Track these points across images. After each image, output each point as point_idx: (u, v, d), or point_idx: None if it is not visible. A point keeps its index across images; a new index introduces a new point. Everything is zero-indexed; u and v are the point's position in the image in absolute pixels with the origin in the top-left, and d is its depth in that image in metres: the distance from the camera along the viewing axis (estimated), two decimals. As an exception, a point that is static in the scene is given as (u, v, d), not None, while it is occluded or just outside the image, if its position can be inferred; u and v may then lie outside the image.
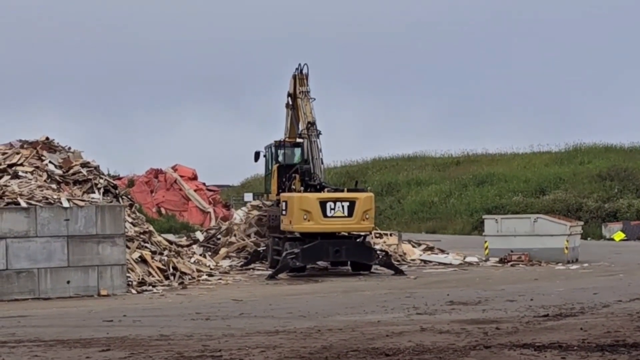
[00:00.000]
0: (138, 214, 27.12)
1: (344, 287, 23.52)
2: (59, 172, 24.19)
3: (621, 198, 52.87)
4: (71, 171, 24.35)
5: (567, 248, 30.78)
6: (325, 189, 27.30)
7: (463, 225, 55.73)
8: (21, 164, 24.05)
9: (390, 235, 33.70)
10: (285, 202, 27.18)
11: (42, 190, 22.58)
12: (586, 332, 14.07)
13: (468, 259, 31.52)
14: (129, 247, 23.31)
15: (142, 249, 24.32)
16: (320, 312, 17.68)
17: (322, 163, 28.73)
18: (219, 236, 33.07)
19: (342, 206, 26.48)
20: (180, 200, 60.23)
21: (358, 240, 27.37)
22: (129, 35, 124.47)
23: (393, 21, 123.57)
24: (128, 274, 22.59)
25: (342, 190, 27.62)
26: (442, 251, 33.50)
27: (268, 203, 31.38)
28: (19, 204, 21.58)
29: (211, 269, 27.47)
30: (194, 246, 32.21)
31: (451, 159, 73.94)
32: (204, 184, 62.58)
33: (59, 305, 19.87)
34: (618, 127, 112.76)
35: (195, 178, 62.01)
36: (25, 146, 25.00)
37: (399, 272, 27.03)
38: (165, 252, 25.21)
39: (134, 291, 22.26)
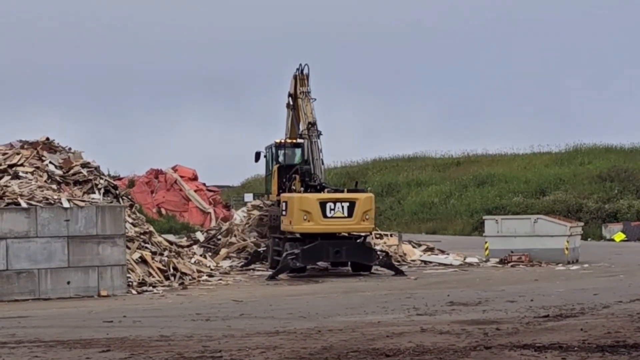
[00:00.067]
0: (138, 214, 27.12)
1: (344, 287, 23.51)
2: (60, 172, 24.19)
3: (621, 199, 52.89)
4: (71, 171, 24.36)
5: (567, 249, 30.78)
6: (326, 190, 27.30)
7: (463, 226, 55.74)
8: (21, 165, 24.05)
9: (391, 235, 33.71)
10: (285, 202, 27.18)
11: (42, 191, 22.58)
12: (586, 333, 14.07)
13: (468, 260, 31.52)
14: (129, 248, 23.30)
15: (143, 249, 24.32)
16: (321, 312, 17.68)
17: (323, 163, 28.74)
18: (219, 237, 33.08)
19: (342, 207, 26.48)
20: (181, 200, 60.25)
21: (358, 240, 27.37)
22: (130, 35, 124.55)
23: (393, 22, 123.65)
24: (128, 275, 22.59)
25: (342, 191, 27.61)
26: (443, 252, 33.50)
27: (269, 203, 31.39)
28: (19, 204, 21.58)
29: (211, 269, 27.47)
30: (194, 247, 32.21)
31: (451, 159, 73.98)
32: (204, 184, 62.59)
33: (59, 305, 19.87)
34: (618, 127, 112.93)
35: (195, 178, 62.03)
36: (25, 146, 25.00)
37: (399, 272, 27.03)
38: (166, 253, 25.21)
39: (134, 292, 22.26)
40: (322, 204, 26.35)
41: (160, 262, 24.40)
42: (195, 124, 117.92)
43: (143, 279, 23.12)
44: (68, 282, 21.46)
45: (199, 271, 26.09)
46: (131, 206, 26.27)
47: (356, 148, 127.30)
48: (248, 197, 34.95)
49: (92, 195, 23.58)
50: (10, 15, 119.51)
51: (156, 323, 16.31)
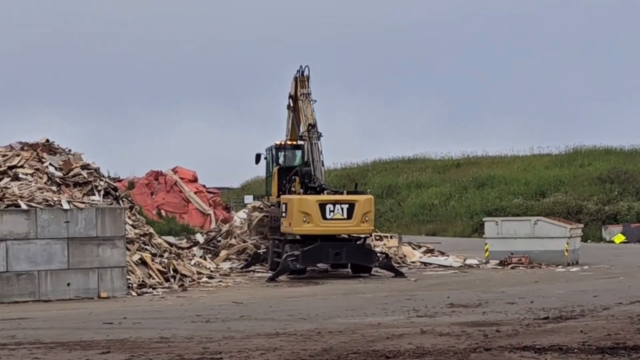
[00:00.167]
0: (138, 216, 27.12)
1: (344, 289, 23.51)
2: (59, 174, 24.20)
3: (621, 200, 52.88)
4: (71, 173, 24.36)
5: (567, 250, 30.78)
6: (325, 191, 27.31)
7: (463, 228, 55.74)
8: (21, 166, 24.05)
9: (391, 237, 33.71)
10: (285, 204, 27.19)
11: (42, 192, 22.59)
12: (586, 335, 14.07)
13: (468, 262, 31.52)
14: (129, 250, 23.31)
15: (142, 251, 24.32)
16: (321, 314, 17.68)
17: (323, 165, 28.75)
18: (219, 238, 33.09)
19: (342, 208, 26.48)
20: (181, 202, 60.32)
21: (358, 242, 27.37)
22: (130, 36, 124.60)
23: (393, 23, 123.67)
24: (128, 276, 22.59)
25: (342, 193, 27.62)
26: (443, 253, 33.50)
27: (269, 204, 31.39)
28: (19, 206, 21.58)
29: (211, 271, 27.47)
30: (194, 248, 32.21)
31: (451, 161, 73.98)
32: (204, 186, 62.68)
33: (59, 307, 19.86)
34: (618, 129, 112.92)
35: (195, 180, 62.11)
36: (25, 148, 25.01)
37: (399, 274, 27.03)
38: (166, 255, 25.21)
39: (134, 293, 22.26)
40: (322, 206, 26.35)
41: (160, 263, 24.40)
42: (195, 126, 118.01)
43: (143, 281, 23.12)
44: (68, 284, 21.46)
45: (198, 273, 26.10)
46: (131, 208, 26.27)
47: (356, 149, 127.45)
48: (248, 198, 35.00)
49: (92, 197, 23.59)
50: (10, 17, 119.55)
51: (156, 325, 16.31)
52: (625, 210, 51.34)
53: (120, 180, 59.38)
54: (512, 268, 29.84)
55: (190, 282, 24.59)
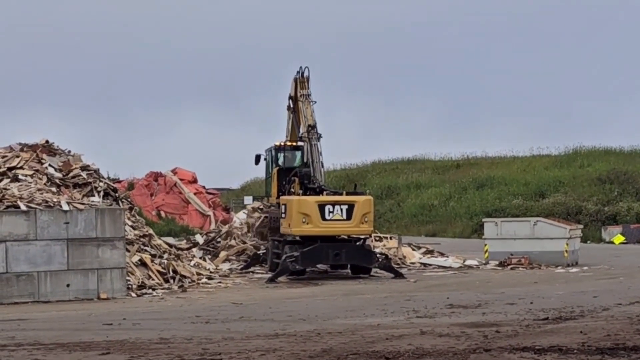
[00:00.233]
0: (138, 217, 27.12)
1: (343, 290, 23.52)
2: (59, 175, 24.20)
3: (621, 201, 52.89)
4: (71, 174, 24.37)
5: (566, 251, 30.78)
6: (325, 192, 27.31)
7: (463, 229, 55.74)
8: (21, 167, 24.06)
9: (390, 238, 33.71)
10: (285, 205, 27.20)
11: (42, 194, 22.59)
12: (586, 336, 14.07)
13: (468, 262, 31.52)
14: (128, 251, 23.30)
15: (142, 252, 24.32)
16: (320, 315, 17.68)
17: (323, 166, 28.75)
18: (218, 239, 33.09)
19: (341, 209, 26.49)
20: (180, 203, 60.29)
21: (358, 243, 27.36)
22: (129, 37, 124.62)
23: (393, 24, 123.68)
24: (128, 277, 22.59)
25: (341, 194, 27.62)
26: (442, 254, 33.50)
27: (269, 204, 31.38)
28: (18, 207, 21.58)
29: (211, 272, 27.47)
30: (194, 249, 32.21)
31: (451, 162, 73.98)
32: (203, 187, 62.65)
33: (59, 308, 19.87)
34: (618, 130, 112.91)
35: (195, 181, 62.08)
36: (25, 149, 25.02)
37: (398, 275, 27.03)
38: (165, 256, 25.21)
39: (133, 294, 22.25)
40: (321, 207, 26.36)
41: (159, 264, 24.40)
42: (195, 127, 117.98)
43: (142, 282, 23.12)
44: (67, 285, 21.46)
45: (198, 274, 26.10)
46: (131, 209, 26.27)
47: (356, 150, 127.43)
48: (247, 199, 35.02)
49: (92, 198, 23.59)
50: (9, 18, 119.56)
51: (156, 326, 16.31)
52: (625, 211, 51.35)
53: (119, 181, 59.36)
54: (511, 269, 29.84)
55: (189, 283, 24.59)
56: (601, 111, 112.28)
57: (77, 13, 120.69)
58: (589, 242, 45.54)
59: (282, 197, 28.06)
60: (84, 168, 24.86)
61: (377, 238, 32.87)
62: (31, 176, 23.74)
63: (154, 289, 23.01)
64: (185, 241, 34.77)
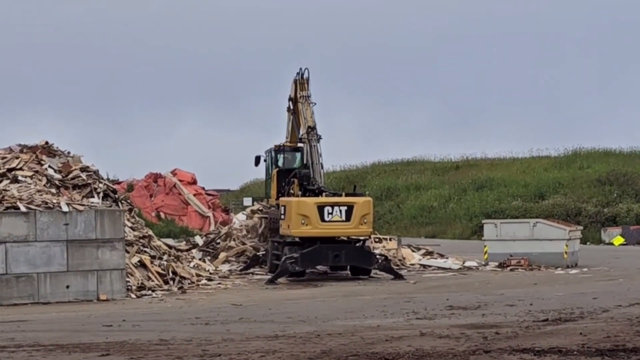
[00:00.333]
0: (137, 218, 27.13)
1: (343, 291, 23.52)
2: (59, 176, 24.20)
3: (620, 203, 52.86)
4: (70, 175, 24.37)
5: (566, 253, 30.78)
6: (324, 194, 27.32)
7: (462, 230, 55.72)
8: (20, 169, 24.06)
9: (390, 239, 33.70)
10: (284, 206, 27.21)
11: (41, 195, 22.59)
12: (586, 337, 14.07)
13: (467, 264, 31.51)
14: (128, 252, 23.30)
15: (142, 253, 24.32)
16: (320, 316, 17.68)
17: (322, 168, 28.75)
18: (218, 240, 33.07)
19: (340, 211, 26.49)
20: (180, 204, 60.28)
21: (357, 244, 27.37)
22: (129, 38, 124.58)
23: (392, 26, 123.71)
24: (127, 279, 22.59)
25: (340, 195, 27.63)
26: (442, 256, 33.49)
27: (269, 206, 31.37)
28: (18, 208, 21.58)
29: (210, 273, 27.47)
30: (193, 250, 32.20)
31: (450, 163, 73.94)
32: (203, 188, 62.63)
33: (58, 309, 19.86)
34: (617, 131, 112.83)
35: (194, 182, 62.07)
36: (24, 150, 25.02)
37: (398, 276, 27.03)
38: (165, 257, 25.20)
39: (133, 296, 22.25)
40: (320, 208, 26.36)
41: (159, 266, 24.40)
42: (195, 128, 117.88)
43: (142, 283, 23.12)
44: (67, 286, 21.46)
45: (198, 275, 26.09)
46: (130, 210, 26.27)
47: (355, 152, 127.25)
48: (247, 201, 34.96)
49: (91, 199, 23.59)
50: (9, 19, 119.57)
51: (155, 327, 16.31)
52: (625, 212, 51.33)
53: (119, 183, 59.34)
54: (511, 270, 29.83)
55: (189, 284, 24.59)
56: (600, 112, 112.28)
57: (77, 13, 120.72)
58: (588, 243, 45.53)
59: (281, 199, 28.07)
60: (84, 169, 24.86)
61: (377, 239, 32.86)
62: (31, 177, 23.74)
63: (153, 290, 23.01)
64: (184, 242, 34.77)
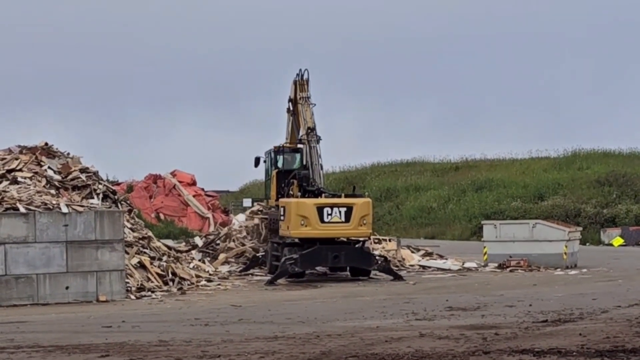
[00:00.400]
0: (137, 219, 27.13)
1: (343, 292, 23.52)
2: (58, 177, 24.20)
3: (620, 203, 52.88)
4: (70, 177, 24.37)
5: (565, 253, 30.80)
6: (323, 195, 27.33)
7: (462, 231, 55.73)
8: (20, 170, 24.06)
9: (389, 240, 33.71)
10: (283, 207, 27.22)
11: (41, 196, 22.59)
12: (585, 338, 14.08)
13: (467, 265, 31.53)
14: (127, 253, 23.30)
15: (141, 254, 24.32)
16: (319, 317, 17.68)
17: (322, 169, 28.76)
18: (217, 242, 33.09)
19: (339, 212, 26.50)
20: (179, 205, 60.27)
21: (357, 245, 27.38)
22: (128, 40, 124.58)
23: (392, 27, 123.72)
24: (127, 280, 22.59)
25: (340, 196, 27.64)
26: (441, 257, 33.51)
27: (269, 206, 31.38)
28: (17, 209, 21.58)
29: (210, 274, 27.48)
30: (193, 252, 32.22)
31: (450, 164, 73.96)
32: (202, 189, 62.63)
33: (58, 310, 19.86)
34: (616, 132, 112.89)
35: (194, 183, 62.07)
36: (24, 152, 25.02)
37: (397, 277, 27.04)
38: (164, 258, 25.21)
39: (132, 297, 22.25)
40: (319, 209, 26.37)
41: (158, 267, 24.41)
42: (194, 129, 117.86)
43: (142, 284, 23.12)
44: (67, 287, 21.46)
45: (197, 276, 26.10)
46: (130, 211, 26.27)
47: (355, 153, 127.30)
48: (247, 202, 35.00)
49: (91, 200, 23.59)
50: (8, 21, 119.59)
51: (155, 328, 16.32)
52: (624, 213, 51.34)
53: (118, 184, 59.38)
54: (510, 271, 29.84)
55: (188, 285, 24.59)
56: (600, 113, 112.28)
57: (77, 13, 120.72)
58: (587, 244, 45.53)
59: (280, 200, 28.09)
60: (83, 170, 24.86)
61: (376, 240, 32.87)
62: (30, 178, 23.74)
63: (153, 292, 23.01)
64: (184, 243, 34.78)
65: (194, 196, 60.61)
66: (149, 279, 23.63)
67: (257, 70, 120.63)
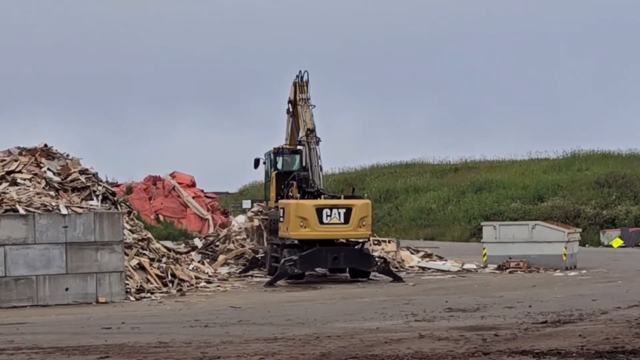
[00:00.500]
0: (136, 220, 27.12)
1: (342, 294, 23.52)
2: (58, 179, 24.20)
3: (619, 205, 52.90)
4: (69, 178, 24.36)
5: (565, 255, 30.80)
6: (322, 196, 27.33)
7: (461, 232, 55.74)
8: (19, 171, 24.06)
9: (389, 242, 33.72)
10: (283, 209, 27.22)
11: (40, 197, 22.59)
12: (585, 339, 14.08)
13: (466, 266, 31.53)
14: (127, 254, 23.31)
15: (141, 256, 24.32)
16: (319, 319, 17.68)
17: (321, 170, 28.74)
18: (217, 243, 33.09)
19: (339, 213, 26.50)
20: (179, 207, 60.28)
21: (356, 247, 27.39)
22: (128, 40, 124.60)
23: (391, 28, 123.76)
24: (126, 281, 22.59)
25: (339, 197, 27.64)
26: (441, 258, 33.52)
27: (268, 208, 31.38)
28: (17, 211, 21.58)
29: (209, 275, 27.47)
30: (192, 253, 32.22)
31: (449, 165, 74.00)
32: (202, 190, 62.64)
33: (58, 312, 19.86)
34: (616, 133, 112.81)
35: (193, 185, 62.08)
36: (23, 153, 25.01)
37: (397, 279, 27.04)
38: (164, 259, 25.21)
39: (132, 298, 22.26)
40: (319, 211, 26.37)
41: (158, 268, 24.41)
42: (194, 130, 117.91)
43: (141, 286, 23.12)
44: (66, 289, 21.46)
45: (197, 277, 26.09)
46: (129, 213, 26.27)
47: (354, 154, 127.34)
48: (246, 203, 35.03)
49: (90, 202, 23.58)
50: (7, 22, 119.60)
51: (155, 329, 16.32)
52: (623, 214, 51.36)
53: (118, 185, 59.38)
54: (510, 272, 29.85)
55: (188, 286, 24.59)
56: (599, 114, 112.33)
57: (77, 13, 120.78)
58: (587, 245, 45.54)
59: (280, 201, 28.09)
60: (83, 172, 24.86)
61: (376, 242, 32.87)
62: (30, 180, 23.74)
63: (152, 293, 23.01)
64: (183, 245, 34.79)
65: (193, 197, 60.63)
66: (148, 281, 23.63)
67: (257, 70, 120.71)
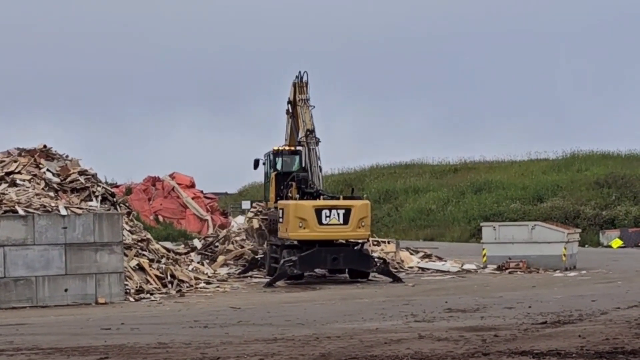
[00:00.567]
0: (136, 221, 27.11)
1: (341, 294, 23.51)
2: (57, 180, 24.19)
3: (619, 205, 52.92)
4: (69, 179, 24.36)
5: (564, 255, 30.80)
6: (322, 197, 27.32)
7: (461, 233, 55.76)
8: (19, 172, 24.06)
9: (388, 242, 33.72)
10: (282, 209, 27.22)
11: (39, 198, 22.58)
12: (584, 340, 14.07)
13: (466, 266, 31.53)
14: (126, 255, 23.30)
15: (140, 256, 24.31)
16: (319, 319, 17.68)
17: (321, 171, 28.73)
18: (216, 244, 33.09)
19: (338, 214, 26.49)
20: (178, 207, 60.29)
21: (356, 248, 27.38)
22: (127, 40, 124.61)
23: (391, 29, 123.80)
24: (126, 282, 22.58)
25: (338, 198, 27.64)
26: (440, 258, 33.51)
27: (267, 208, 31.39)
28: (16, 211, 21.57)
29: (209, 276, 27.46)
30: (192, 254, 32.22)
31: (449, 166, 74.05)
32: (201, 191, 62.65)
33: (57, 313, 19.86)
34: (615, 134, 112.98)
35: (192, 186, 62.09)
36: (23, 154, 25.01)
37: (396, 279, 27.04)
38: (163, 260, 25.21)
39: (131, 299, 22.25)
40: (318, 211, 26.36)
41: (157, 269, 24.40)
42: (193, 131, 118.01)
43: (140, 286, 23.11)
44: (66, 290, 21.45)
45: (196, 278, 26.09)
46: (128, 213, 26.27)
47: (354, 155, 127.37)
48: (245, 204, 35.02)
49: (90, 203, 23.58)
50: (6, 23, 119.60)
51: (154, 330, 16.31)
52: (623, 214, 51.38)
53: (117, 186, 59.40)
54: (509, 273, 29.85)
55: (187, 287, 24.58)
56: (598, 115, 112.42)
57: (78, 13, 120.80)
58: (586, 246, 45.54)
59: (279, 202, 28.08)
60: (82, 173, 24.85)
61: (375, 242, 32.88)
62: (29, 181, 23.73)
63: (152, 294, 23.00)
64: (183, 246, 34.79)
65: (192, 198, 60.63)
66: (147, 281, 23.62)
67: (257, 70, 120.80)
